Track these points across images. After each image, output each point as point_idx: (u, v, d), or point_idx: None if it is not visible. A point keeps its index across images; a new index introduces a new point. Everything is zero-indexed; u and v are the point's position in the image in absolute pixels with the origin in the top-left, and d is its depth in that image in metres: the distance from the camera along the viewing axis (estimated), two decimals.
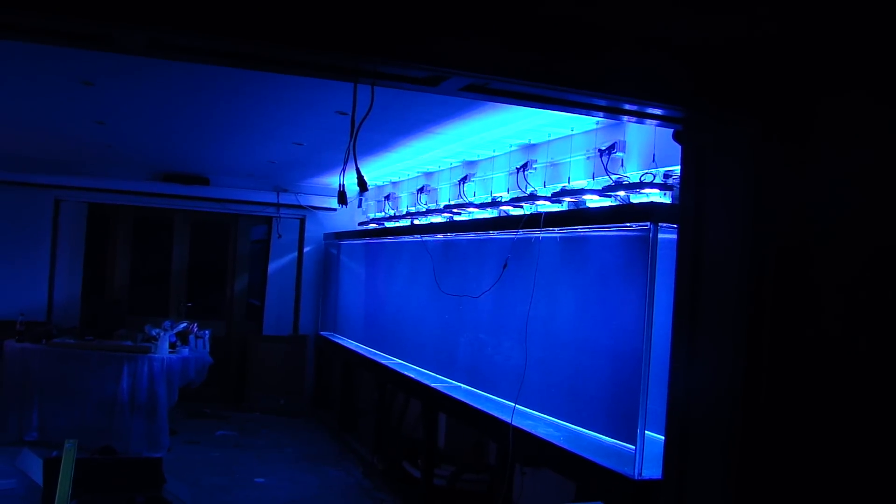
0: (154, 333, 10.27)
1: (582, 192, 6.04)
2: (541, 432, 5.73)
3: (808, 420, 3.30)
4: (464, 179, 8.33)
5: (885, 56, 3.10)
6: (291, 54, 2.97)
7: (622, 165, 5.81)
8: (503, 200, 7.35)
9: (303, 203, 12.72)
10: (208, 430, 11.10)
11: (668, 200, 5.31)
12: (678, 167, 4.03)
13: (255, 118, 7.25)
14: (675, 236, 4.02)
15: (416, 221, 9.45)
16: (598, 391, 5.56)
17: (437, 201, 9.23)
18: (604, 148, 5.87)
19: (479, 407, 6.64)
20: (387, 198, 10.92)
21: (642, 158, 5.61)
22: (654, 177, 5.39)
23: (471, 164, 8.43)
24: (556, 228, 6.09)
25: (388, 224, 10.51)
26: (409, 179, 10.37)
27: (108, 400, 9.57)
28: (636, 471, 4.76)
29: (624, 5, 3.12)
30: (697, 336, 3.73)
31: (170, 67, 5.25)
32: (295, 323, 13.22)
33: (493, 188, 7.84)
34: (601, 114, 3.96)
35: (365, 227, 11.50)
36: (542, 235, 6.27)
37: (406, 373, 8.57)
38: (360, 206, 11.74)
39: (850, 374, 3.15)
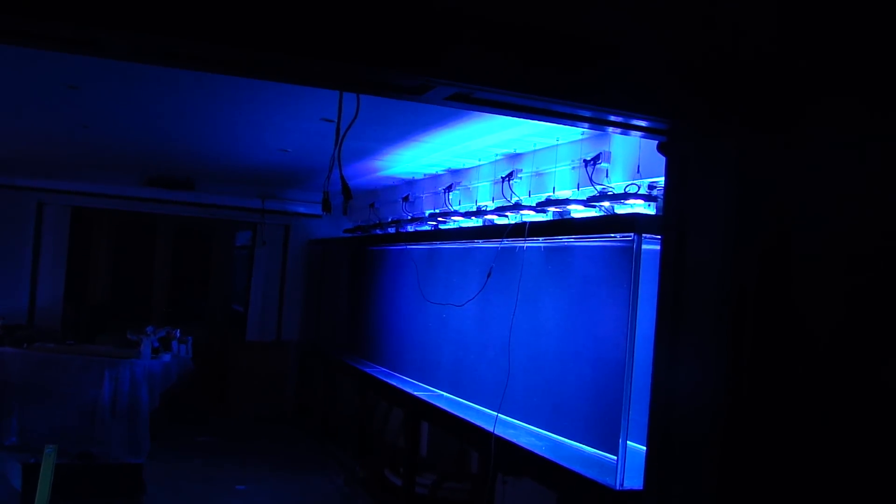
0: (136, 338, 10.22)
1: (566, 202, 6.05)
2: (523, 442, 5.73)
3: (791, 428, 3.31)
4: (449, 188, 8.34)
5: (875, 63, 3.12)
6: (277, 61, 2.97)
7: (607, 176, 5.82)
8: (488, 209, 7.36)
9: (288, 210, 12.69)
10: (190, 436, 11.05)
11: (652, 211, 5.33)
12: (662, 178, 4.04)
13: (240, 124, 7.24)
14: (658, 247, 4.04)
15: (400, 230, 9.45)
16: (581, 401, 5.56)
17: (422, 210, 9.23)
18: (589, 158, 5.88)
19: (462, 416, 6.64)
20: (372, 206, 10.91)
21: (627, 169, 5.63)
22: (639, 188, 5.41)
23: (456, 172, 8.44)
24: (540, 238, 6.10)
25: (372, 232, 10.50)
26: (394, 187, 10.37)
27: (89, 405, 9.50)
28: (618, 481, 4.77)
29: (609, 18, 3.13)
30: (679, 346, 3.74)
31: (155, 72, 5.24)
32: (278, 329, 13.20)
33: (478, 197, 7.85)
34: (586, 125, 3.97)
35: (350, 234, 11.48)
36: (526, 245, 6.28)
37: (389, 381, 8.56)
38: (344, 213, 11.72)
39: (833, 381, 3.16)
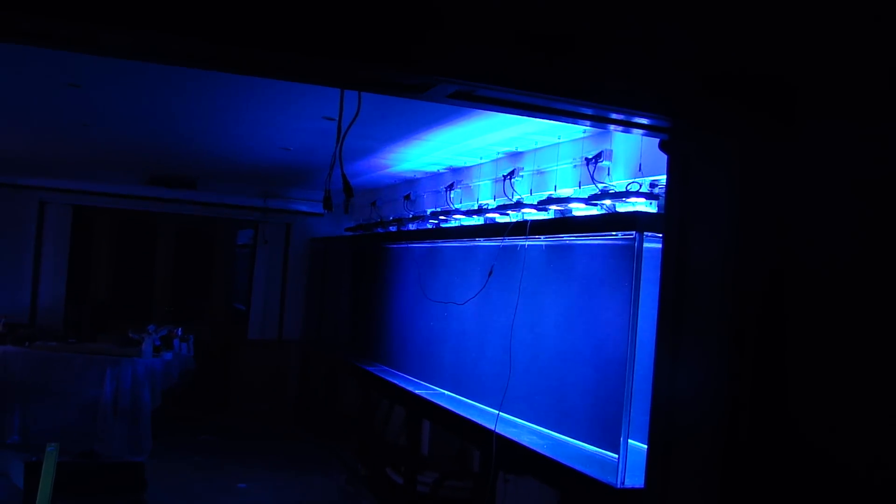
0: (138, 337, 10.22)
1: (568, 200, 6.05)
2: (524, 440, 5.72)
3: (793, 428, 3.31)
4: (450, 186, 8.33)
5: (876, 59, 3.12)
6: (278, 59, 2.96)
7: (608, 174, 5.82)
8: (489, 208, 7.35)
9: (289, 208, 12.67)
10: (191, 435, 11.05)
11: (653, 210, 5.33)
12: (664, 176, 4.04)
13: (242, 122, 7.23)
14: (660, 245, 4.03)
15: (402, 228, 9.45)
16: (583, 399, 5.56)
17: (423, 208, 9.23)
18: (590, 157, 5.88)
19: (463, 414, 6.64)
20: (373, 204, 10.91)
21: (629, 167, 5.62)
22: (640, 186, 5.41)
23: (457, 171, 8.44)
24: (541, 236, 6.10)
25: (374, 230, 10.49)
26: (395, 186, 10.37)
27: (91, 403, 9.50)
28: (619, 479, 4.76)
29: (612, 15, 3.13)
30: (681, 345, 3.74)
31: (156, 71, 5.23)
32: (280, 328, 13.18)
33: (480, 195, 7.85)
34: (588, 122, 3.97)
35: (351, 233, 11.48)
36: (527, 243, 6.27)
37: (390, 379, 8.55)
38: (346, 212, 11.70)
39: (835, 381, 3.16)
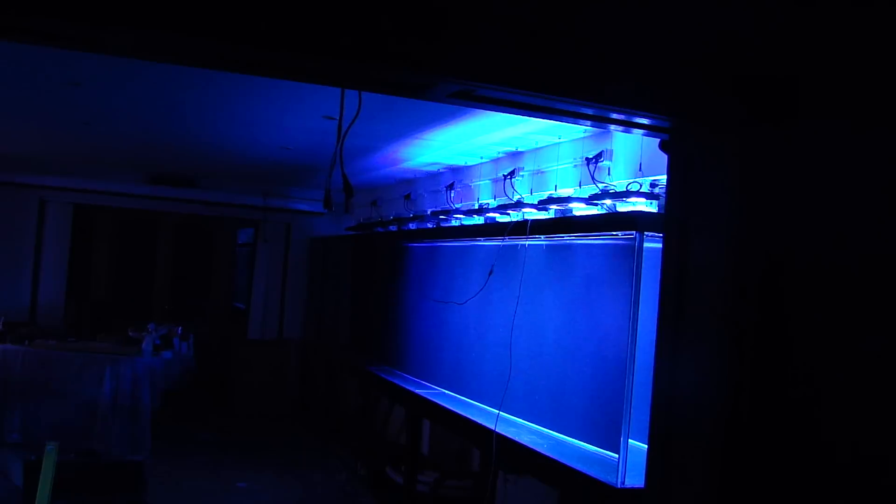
0: (137, 336, 10.22)
1: (568, 199, 6.04)
2: (525, 440, 5.72)
3: (792, 428, 3.30)
4: (450, 186, 8.33)
5: (878, 61, 3.12)
6: (279, 58, 2.96)
7: (609, 174, 5.81)
8: (490, 207, 7.35)
9: (290, 207, 12.67)
10: (191, 434, 11.05)
11: (654, 209, 5.32)
12: (664, 176, 4.04)
13: (242, 121, 7.23)
14: (660, 245, 4.03)
15: (402, 227, 9.44)
16: (583, 399, 5.55)
17: (423, 207, 9.23)
18: (591, 156, 5.87)
19: (464, 414, 6.63)
20: (374, 203, 10.90)
21: (629, 167, 5.62)
22: (641, 186, 5.40)
23: (457, 170, 8.43)
24: (542, 236, 6.09)
25: (374, 230, 10.49)
26: (395, 185, 10.37)
27: (91, 402, 9.51)
28: (619, 479, 4.76)
29: (611, 15, 3.12)
30: (681, 345, 3.73)
31: (156, 70, 5.23)
32: (280, 327, 13.19)
33: (480, 195, 7.85)
34: (588, 122, 3.97)
35: (351, 232, 11.47)
36: (528, 243, 6.27)
37: (390, 379, 8.54)
38: (346, 211, 11.70)
39: (834, 381, 3.15)
